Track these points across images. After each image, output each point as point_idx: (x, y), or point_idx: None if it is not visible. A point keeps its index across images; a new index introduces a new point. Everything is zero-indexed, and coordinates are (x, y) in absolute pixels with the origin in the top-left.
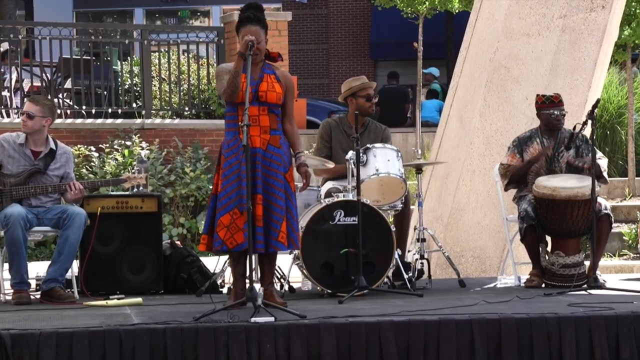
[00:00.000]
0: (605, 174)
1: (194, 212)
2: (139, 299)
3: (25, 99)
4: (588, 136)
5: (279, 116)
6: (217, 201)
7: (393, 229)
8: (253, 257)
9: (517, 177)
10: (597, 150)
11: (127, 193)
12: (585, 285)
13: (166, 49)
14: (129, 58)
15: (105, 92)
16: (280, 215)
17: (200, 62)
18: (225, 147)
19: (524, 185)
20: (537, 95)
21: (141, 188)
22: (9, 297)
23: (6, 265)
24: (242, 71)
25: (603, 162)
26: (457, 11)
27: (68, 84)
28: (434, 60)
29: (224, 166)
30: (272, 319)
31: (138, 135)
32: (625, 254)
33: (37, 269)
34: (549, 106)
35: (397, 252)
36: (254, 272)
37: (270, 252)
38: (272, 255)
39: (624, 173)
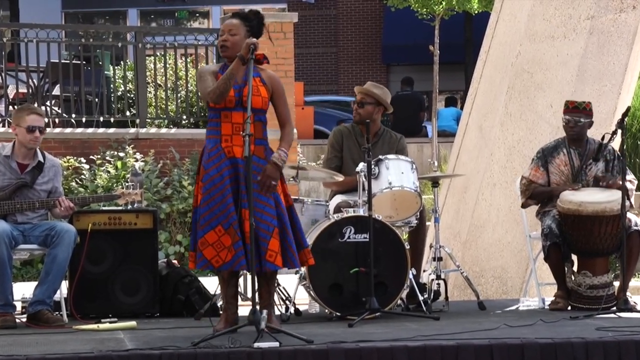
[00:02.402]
0: (632, 199)
1: None
2: (132, 323)
3: (13, 107)
4: (617, 147)
5: (265, 124)
6: (200, 216)
7: (407, 246)
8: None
9: (537, 198)
10: (629, 172)
11: (120, 208)
12: (615, 308)
13: (162, 53)
14: (122, 62)
15: (96, 100)
16: (266, 232)
17: (199, 67)
18: (206, 157)
19: (548, 200)
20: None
21: (136, 205)
22: None
23: None
24: (243, 77)
25: (632, 184)
26: (476, 12)
27: (56, 91)
28: (451, 65)
29: (203, 178)
30: (276, 344)
31: (132, 145)
32: None
33: (23, 290)
34: (568, 111)
35: (411, 272)
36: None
37: (263, 271)
38: (268, 276)
39: None
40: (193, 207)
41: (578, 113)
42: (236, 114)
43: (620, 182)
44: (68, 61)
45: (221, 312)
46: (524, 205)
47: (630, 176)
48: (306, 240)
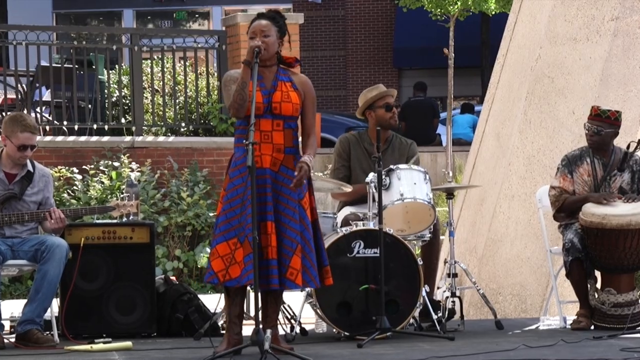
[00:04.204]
0: None
1: (192, 243)
2: (128, 343)
3: (1, 114)
4: None
5: (295, 131)
6: (217, 226)
7: (420, 262)
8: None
9: (570, 209)
10: None
11: (114, 221)
12: None
13: (160, 56)
14: (116, 66)
15: (89, 106)
16: (290, 248)
17: (198, 71)
18: (232, 165)
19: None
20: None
21: (131, 217)
22: None
23: None
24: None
25: None
26: (493, 13)
27: (47, 96)
28: (466, 69)
29: (227, 187)
30: None
31: (127, 155)
32: None
33: (12, 309)
34: (590, 118)
35: (424, 289)
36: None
37: (276, 290)
38: (277, 294)
39: None
40: (217, 218)
41: (600, 122)
42: (264, 122)
43: None
44: (59, 65)
45: (223, 331)
46: (555, 218)
47: None
48: (326, 258)
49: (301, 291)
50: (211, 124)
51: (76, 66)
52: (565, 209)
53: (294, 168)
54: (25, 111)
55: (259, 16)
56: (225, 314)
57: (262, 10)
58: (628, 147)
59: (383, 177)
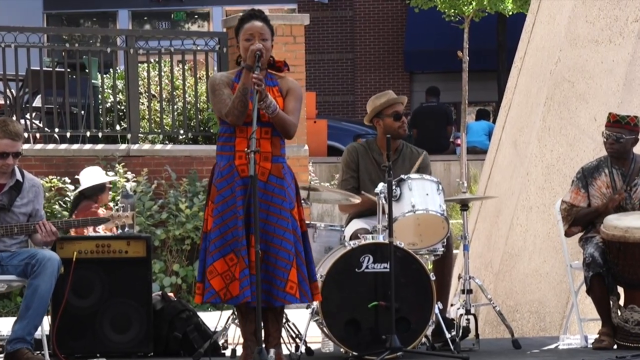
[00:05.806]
0: None
1: (191, 257)
2: None
3: None
4: None
5: (283, 139)
6: (209, 242)
7: (433, 277)
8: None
9: (582, 223)
10: None
11: (109, 234)
12: None
13: (157, 59)
14: (111, 70)
15: (82, 112)
16: (287, 261)
17: (198, 75)
18: (218, 176)
19: (591, 226)
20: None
21: (127, 229)
22: None
23: None
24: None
25: None
26: (510, 13)
27: (37, 102)
28: (482, 73)
29: (216, 200)
30: None
31: (122, 164)
32: None
33: (0, 327)
34: (609, 125)
35: (437, 306)
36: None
37: (276, 306)
38: (278, 311)
39: None
40: (202, 233)
41: (620, 128)
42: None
43: None
44: (50, 69)
45: (224, 351)
46: (567, 234)
47: None
48: (315, 274)
49: (307, 307)
50: (211, 131)
51: (68, 70)
52: (578, 222)
53: (283, 176)
54: (14, 117)
55: (251, 17)
56: (241, 332)
57: (265, 11)
58: None
59: (393, 187)
